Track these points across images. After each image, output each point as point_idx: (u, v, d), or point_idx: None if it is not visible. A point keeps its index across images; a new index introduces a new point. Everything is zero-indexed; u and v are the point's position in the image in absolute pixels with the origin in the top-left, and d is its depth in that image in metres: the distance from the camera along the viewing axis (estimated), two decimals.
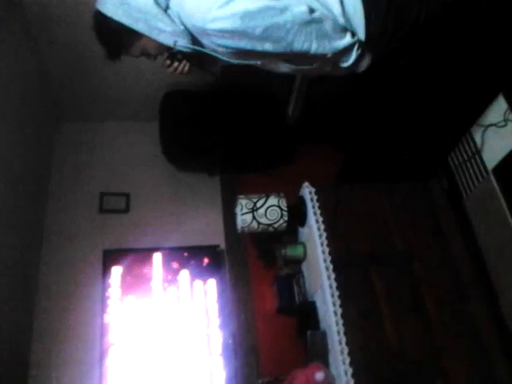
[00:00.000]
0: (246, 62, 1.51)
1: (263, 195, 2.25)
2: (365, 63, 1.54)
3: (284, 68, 1.57)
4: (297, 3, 1.38)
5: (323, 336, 1.99)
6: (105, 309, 2.21)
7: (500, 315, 2.21)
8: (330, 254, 2.00)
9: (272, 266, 2.35)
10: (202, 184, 2.73)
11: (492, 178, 2.21)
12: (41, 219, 2.51)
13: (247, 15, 1.33)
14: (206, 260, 2.38)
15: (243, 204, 2.20)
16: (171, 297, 2.26)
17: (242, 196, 2.25)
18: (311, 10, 1.38)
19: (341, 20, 1.42)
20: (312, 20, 1.38)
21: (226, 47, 1.41)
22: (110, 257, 2.33)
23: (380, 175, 2.51)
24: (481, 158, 2.28)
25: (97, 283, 2.30)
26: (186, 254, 2.38)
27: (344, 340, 1.86)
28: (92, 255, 2.39)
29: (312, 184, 2.21)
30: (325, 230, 2.06)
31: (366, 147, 2.47)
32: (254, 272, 2.45)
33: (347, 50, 1.46)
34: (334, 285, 1.95)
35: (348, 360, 1.83)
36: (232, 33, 1.36)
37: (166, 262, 2.33)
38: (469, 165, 2.36)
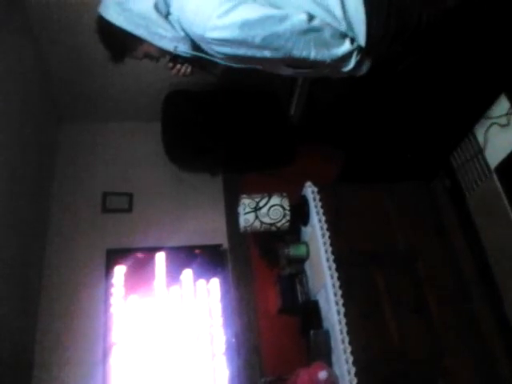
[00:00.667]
0: (246, 67, 1.53)
1: (266, 195, 2.25)
2: (364, 68, 1.54)
3: (284, 71, 1.58)
4: (296, 11, 1.38)
5: (326, 335, 2.00)
6: (108, 308, 2.22)
7: (503, 314, 2.20)
8: (332, 253, 2.01)
9: (275, 265, 2.36)
10: (205, 184, 2.74)
11: (495, 177, 2.20)
12: (44, 219, 2.52)
13: (246, 24, 1.34)
14: (208, 259, 2.38)
15: (246, 203, 2.21)
16: (174, 296, 2.27)
17: (244, 195, 2.25)
18: (310, 18, 1.38)
19: (342, 24, 1.42)
20: (311, 29, 1.38)
21: (226, 54, 1.42)
22: (113, 256, 2.34)
23: (382, 175, 2.51)
24: (483, 157, 2.27)
25: (100, 283, 2.30)
26: (189, 254, 2.39)
27: (347, 339, 1.86)
28: (95, 255, 2.39)
29: (314, 183, 2.21)
30: (327, 229, 2.06)
31: (368, 147, 2.47)
32: (257, 271, 2.46)
33: (346, 56, 1.46)
34: (337, 284, 1.95)
35: (351, 359, 1.83)
36: (231, 42, 1.37)
37: (169, 262, 2.34)
38: (471, 164, 2.36)
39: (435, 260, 2.34)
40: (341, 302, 1.91)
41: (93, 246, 2.45)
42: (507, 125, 2.09)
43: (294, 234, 2.36)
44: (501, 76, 2.01)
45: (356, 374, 1.81)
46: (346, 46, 1.44)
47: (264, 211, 2.20)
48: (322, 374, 1.84)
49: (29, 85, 2.39)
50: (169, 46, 1.47)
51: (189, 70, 1.62)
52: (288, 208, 2.21)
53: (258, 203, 2.22)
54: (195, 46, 1.49)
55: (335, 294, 1.92)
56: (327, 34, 1.41)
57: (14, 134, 2.15)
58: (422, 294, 2.25)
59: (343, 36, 1.44)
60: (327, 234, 2.04)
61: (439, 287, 2.27)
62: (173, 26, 1.45)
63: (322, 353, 1.97)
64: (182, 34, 1.45)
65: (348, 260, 2.14)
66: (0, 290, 1.95)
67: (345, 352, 1.85)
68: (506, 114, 2.08)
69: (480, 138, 2.28)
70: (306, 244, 2.26)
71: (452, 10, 1.44)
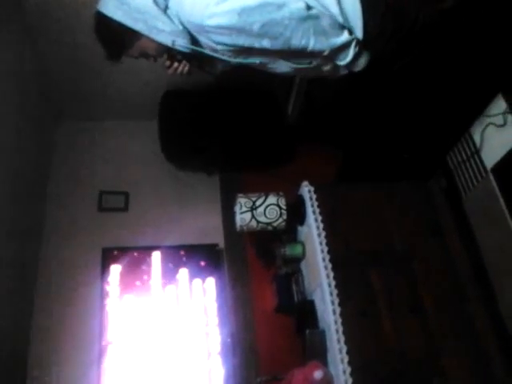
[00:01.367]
0: (245, 61, 1.52)
1: (262, 194, 2.25)
2: (362, 62, 1.54)
3: (283, 68, 1.58)
4: (294, 0, 1.38)
5: (322, 335, 2.00)
6: (104, 307, 2.21)
7: (499, 315, 2.20)
8: (328, 252, 2.01)
9: (271, 264, 2.35)
10: (202, 183, 2.73)
11: (491, 177, 2.21)
12: (40, 218, 2.52)
13: (245, 11, 1.34)
14: (204, 259, 2.38)
15: (242, 203, 2.20)
16: (170, 295, 2.26)
17: (241, 195, 2.25)
18: (308, 7, 1.39)
19: (339, 18, 1.43)
20: (309, 16, 1.39)
21: (224, 44, 1.42)
22: (109, 255, 2.33)
23: (379, 174, 2.51)
24: (480, 158, 2.28)
25: (96, 281, 2.30)
26: (184, 253, 2.38)
27: (342, 339, 1.86)
28: (91, 254, 2.39)
29: (311, 183, 2.21)
30: (324, 228, 2.06)
31: (365, 146, 2.47)
32: (253, 271, 2.46)
33: (344, 47, 1.47)
34: (333, 284, 1.95)
35: (346, 359, 1.83)
36: (230, 29, 1.37)
37: (165, 261, 2.34)
38: (468, 164, 2.36)
39: (431, 260, 2.34)
40: (336, 301, 1.91)
41: (89, 244, 2.44)
42: (503, 125, 2.09)
43: (291, 234, 2.35)
44: (497, 76, 2.01)
45: (351, 374, 1.81)
46: (345, 36, 1.44)
47: (260, 210, 2.20)
48: (318, 374, 1.84)
49: (26, 83, 2.39)
50: (167, 40, 1.46)
51: (186, 68, 1.62)
52: (284, 207, 2.21)
53: (254, 202, 2.21)
54: (194, 40, 1.49)
55: (331, 294, 1.92)
56: (325, 22, 1.42)
57: (11, 133, 2.15)
58: (418, 293, 2.25)
59: (342, 27, 1.45)
60: (323, 233, 2.04)
61: (435, 287, 2.27)
62: (171, 20, 1.45)
63: (318, 352, 1.96)
64: (181, 27, 1.45)
65: (344, 260, 2.14)
66: None
67: (340, 352, 1.84)
68: (503, 114, 2.08)
69: (476, 139, 2.29)
70: (302, 243, 2.26)
71: (449, 10, 1.45)
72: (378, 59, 1.55)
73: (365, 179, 2.50)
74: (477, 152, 2.29)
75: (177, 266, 2.32)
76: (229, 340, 2.22)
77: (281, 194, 2.27)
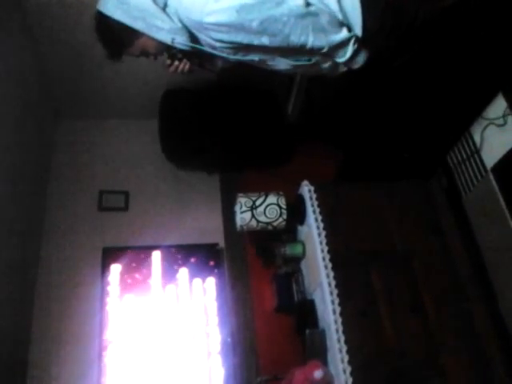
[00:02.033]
0: (244, 59, 1.52)
1: (262, 193, 2.25)
2: (361, 59, 1.54)
3: (282, 65, 1.57)
4: None
5: (322, 334, 2.00)
6: (104, 307, 2.21)
7: (499, 314, 2.20)
8: (328, 252, 2.01)
9: (271, 264, 2.35)
10: (202, 182, 2.73)
11: (491, 177, 2.21)
12: (40, 217, 2.51)
13: (244, 8, 1.35)
14: (205, 258, 2.38)
15: (242, 202, 2.20)
16: (170, 295, 2.26)
17: (241, 194, 2.25)
18: (307, 4, 1.39)
19: (338, 15, 1.43)
20: (308, 13, 1.39)
21: (223, 42, 1.42)
22: (109, 255, 2.33)
23: (379, 174, 2.51)
24: (480, 157, 2.27)
25: (96, 281, 2.30)
26: (185, 252, 2.38)
27: (342, 338, 1.86)
28: (91, 253, 2.39)
29: (311, 182, 2.21)
30: (324, 228, 2.06)
31: (365, 145, 2.47)
32: (253, 270, 2.46)
33: (343, 44, 1.47)
34: (333, 283, 1.95)
35: (346, 358, 1.83)
36: (229, 26, 1.37)
37: (165, 260, 2.34)
38: (468, 164, 2.36)
39: (432, 259, 2.34)
40: (336, 301, 1.91)
41: (89, 244, 2.44)
42: (504, 125, 2.09)
43: (291, 233, 2.36)
44: (498, 75, 2.01)
45: (351, 373, 1.81)
46: (344, 33, 1.44)
47: (260, 210, 2.20)
48: (318, 373, 1.84)
49: (27, 83, 2.38)
50: (166, 38, 1.47)
51: (187, 67, 1.62)
52: (284, 207, 2.21)
53: (254, 202, 2.22)
54: (193, 38, 1.49)
55: (331, 293, 1.92)
56: (324, 19, 1.42)
57: (11, 132, 2.15)
58: (418, 293, 2.25)
59: (340, 24, 1.45)
60: (323, 233, 2.04)
61: (435, 286, 2.27)
62: (170, 18, 1.46)
63: (318, 352, 1.97)
64: (180, 25, 1.46)
65: (344, 259, 2.13)
66: None
67: (340, 351, 1.85)
68: (503, 114, 2.08)
69: (476, 138, 2.28)
70: (302, 243, 2.26)
71: (449, 8, 1.45)
72: (378, 56, 1.55)
73: (365, 179, 2.50)
74: (477, 151, 2.29)
75: (177, 266, 2.32)
76: (229, 340, 2.22)
77: (281, 193, 2.27)
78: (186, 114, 2.59)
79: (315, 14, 1.40)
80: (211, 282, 2.32)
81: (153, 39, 1.48)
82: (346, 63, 1.54)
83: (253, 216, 2.19)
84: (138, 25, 1.45)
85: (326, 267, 1.98)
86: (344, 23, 1.45)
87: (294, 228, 2.35)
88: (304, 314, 2.12)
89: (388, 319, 2.17)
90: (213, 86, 2.64)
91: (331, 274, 1.97)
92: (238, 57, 1.51)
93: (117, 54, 1.54)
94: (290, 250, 2.24)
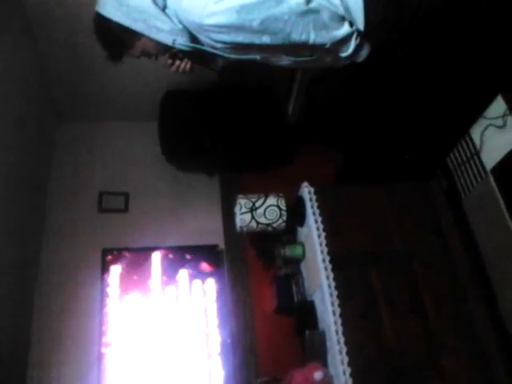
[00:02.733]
0: (245, 57, 1.50)
1: (262, 195, 2.25)
2: (364, 53, 1.52)
3: (285, 61, 1.56)
4: None
5: (322, 336, 2.00)
6: (103, 308, 2.21)
7: (499, 315, 2.21)
8: (328, 253, 2.01)
9: (271, 265, 2.35)
10: (202, 184, 2.73)
11: (491, 178, 2.21)
12: (40, 218, 2.51)
13: (243, 9, 1.33)
14: (204, 259, 2.38)
15: (242, 204, 2.21)
16: (170, 296, 2.26)
17: (241, 196, 2.25)
18: (308, 1, 1.38)
19: (339, 9, 1.42)
20: (309, 10, 1.38)
21: (224, 42, 1.41)
22: (109, 256, 2.33)
23: (379, 175, 2.51)
24: (479, 159, 2.28)
25: (96, 282, 2.30)
26: (184, 254, 2.38)
27: (342, 340, 1.86)
28: (91, 254, 2.38)
29: (311, 184, 2.21)
30: (324, 229, 2.06)
31: (366, 147, 2.47)
32: (253, 272, 2.45)
33: (346, 39, 1.45)
34: (333, 284, 1.95)
35: (346, 360, 1.83)
36: (229, 27, 1.36)
37: (165, 262, 2.34)
38: (468, 165, 2.37)
39: (432, 260, 2.35)
40: (336, 302, 1.91)
41: (88, 245, 2.44)
42: (503, 126, 2.09)
43: (290, 235, 2.36)
44: (497, 77, 2.01)
45: (351, 375, 1.81)
46: (346, 29, 1.43)
47: (260, 211, 2.20)
48: (318, 375, 1.84)
49: (27, 84, 2.38)
50: (167, 39, 1.45)
51: (188, 66, 1.61)
52: (284, 208, 2.21)
53: (254, 203, 2.22)
54: (193, 38, 1.47)
55: (331, 295, 1.92)
56: (325, 16, 1.40)
57: (12, 133, 2.14)
58: (419, 293, 2.25)
59: (342, 19, 1.43)
60: (323, 234, 2.04)
61: (435, 287, 2.27)
62: (170, 19, 1.44)
63: (318, 353, 1.96)
64: (180, 26, 1.44)
65: (344, 260, 2.14)
66: None
67: (340, 353, 1.85)
68: (503, 116, 2.08)
69: (476, 140, 2.29)
70: (302, 244, 2.26)
71: (450, 1, 1.44)
72: (380, 49, 1.53)
73: (365, 180, 2.51)
74: (477, 153, 2.29)
75: (177, 267, 2.32)
76: (229, 341, 2.22)
77: (281, 194, 2.27)
78: (186, 116, 2.59)
79: (316, 11, 1.39)
80: (211, 283, 2.32)
81: (153, 40, 1.47)
82: (348, 57, 1.53)
83: (253, 217, 2.19)
84: (138, 26, 1.43)
85: (325, 268, 1.97)
86: (346, 18, 1.43)
87: (294, 229, 2.35)
88: (304, 315, 2.12)
89: (388, 320, 2.18)
90: (213, 87, 2.64)
91: (331, 276, 1.96)
92: (240, 56, 1.49)
93: (117, 56, 1.52)
94: (289, 251, 2.24)
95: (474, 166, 2.32)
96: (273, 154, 2.72)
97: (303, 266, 2.29)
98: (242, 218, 2.19)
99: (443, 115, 2.23)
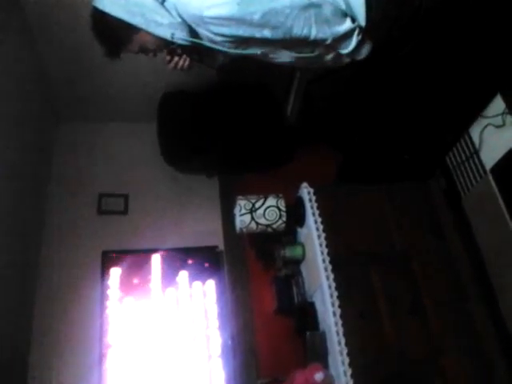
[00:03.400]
0: (245, 52, 1.49)
1: (262, 196, 2.25)
2: (365, 50, 1.51)
3: (285, 58, 1.54)
4: None
5: (322, 337, 2.00)
6: (104, 310, 2.21)
7: (499, 314, 2.21)
8: (328, 254, 2.01)
9: (271, 266, 2.35)
10: (201, 185, 2.73)
11: (490, 177, 2.21)
12: (40, 220, 2.51)
13: (244, 1, 1.32)
14: (204, 261, 2.38)
15: (242, 205, 2.20)
16: (170, 298, 2.26)
17: (240, 197, 2.25)
18: None
19: (341, 5, 1.41)
20: (311, 4, 1.36)
21: (224, 36, 1.39)
22: (109, 258, 2.33)
23: (378, 175, 2.51)
24: (479, 158, 2.28)
25: (96, 285, 2.29)
26: (184, 255, 2.38)
27: (343, 341, 1.86)
28: (91, 257, 2.38)
29: (311, 184, 2.21)
30: (323, 230, 2.06)
31: (365, 147, 2.47)
32: (253, 273, 2.45)
33: (347, 35, 1.44)
34: (333, 285, 1.95)
35: (347, 361, 1.83)
36: (229, 20, 1.34)
37: (165, 264, 2.34)
38: (467, 165, 2.36)
39: (431, 260, 2.35)
40: (337, 303, 1.91)
41: (88, 247, 2.43)
42: (502, 125, 2.09)
43: (290, 235, 2.35)
44: (496, 76, 2.01)
45: (352, 376, 1.81)
46: (348, 24, 1.42)
47: (260, 212, 2.20)
48: (319, 376, 1.84)
49: (27, 85, 2.38)
50: (166, 33, 1.43)
51: (187, 63, 1.59)
52: (284, 209, 2.21)
53: (253, 204, 2.21)
54: (193, 33, 1.46)
55: (331, 296, 1.92)
56: (327, 10, 1.39)
57: (11, 134, 2.14)
58: (419, 293, 2.25)
59: (344, 14, 1.42)
60: (323, 235, 2.04)
61: (435, 287, 2.27)
62: (169, 13, 1.42)
63: (319, 354, 1.96)
64: (179, 19, 1.42)
65: (344, 261, 2.14)
66: None
67: (341, 354, 1.85)
68: (502, 115, 2.08)
69: (475, 139, 2.29)
70: (302, 245, 2.25)
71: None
72: (381, 47, 1.52)
73: (364, 180, 2.50)
74: (476, 152, 2.29)
75: (177, 269, 2.32)
76: (229, 342, 2.22)
77: (280, 195, 2.27)
78: (185, 117, 2.59)
79: (318, 5, 1.37)
80: (211, 284, 2.32)
81: (152, 35, 1.45)
82: (349, 55, 1.52)
83: (252, 218, 2.19)
84: (136, 20, 1.41)
85: (325, 269, 1.97)
86: (347, 14, 1.42)
87: (294, 230, 2.35)
88: (304, 316, 2.12)
89: (388, 320, 2.18)
90: (212, 88, 2.64)
91: (331, 276, 1.96)
92: (239, 50, 1.47)
93: (115, 52, 1.49)
94: (289, 252, 2.24)
95: (473, 166, 2.32)
96: (272, 154, 2.72)
97: (303, 267, 2.29)
98: (242, 219, 2.19)
99: (442, 114, 2.23)
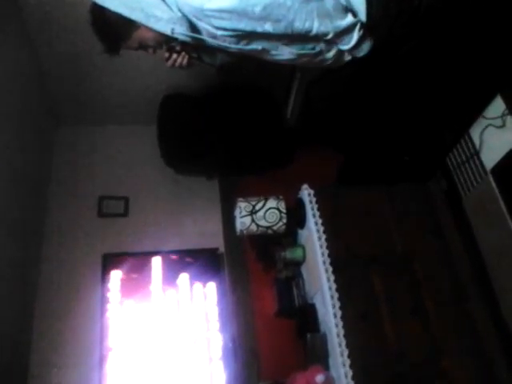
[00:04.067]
0: (247, 48, 1.47)
1: (262, 198, 2.24)
2: (366, 46, 1.50)
3: (286, 54, 1.53)
4: None
5: (323, 338, 1.99)
6: (104, 313, 2.21)
7: (499, 315, 2.20)
8: (329, 255, 2.00)
9: (271, 268, 2.35)
10: (201, 187, 2.73)
11: (490, 178, 2.21)
12: (40, 223, 2.51)
13: None
14: (205, 263, 2.37)
15: (242, 207, 2.20)
16: (171, 300, 2.26)
17: (240, 199, 2.24)
18: None
19: (342, 0, 1.40)
20: None
21: (225, 29, 1.37)
22: (110, 261, 2.33)
23: (379, 177, 2.51)
24: (479, 159, 2.28)
25: (96, 287, 2.30)
26: (185, 258, 2.38)
27: (344, 342, 1.86)
28: (91, 259, 2.38)
29: (311, 186, 2.21)
30: (324, 231, 2.06)
31: (365, 148, 2.47)
32: (254, 275, 2.45)
33: (349, 30, 1.43)
34: (334, 287, 1.94)
35: (348, 362, 1.83)
36: (230, 12, 1.32)
37: (166, 266, 2.33)
38: (467, 165, 2.36)
39: (432, 261, 2.35)
40: (337, 304, 1.90)
41: (89, 250, 2.44)
42: (502, 126, 2.09)
43: (291, 237, 2.35)
44: (496, 77, 2.01)
45: (353, 378, 1.80)
46: (349, 19, 1.41)
47: (260, 214, 2.19)
48: (319, 378, 1.83)
49: (27, 87, 2.38)
50: (165, 28, 1.41)
51: (185, 60, 1.57)
52: (284, 211, 2.21)
53: (254, 206, 2.21)
54: (193, 28, 1.44)
55: (332, 297, 1.92)
56: (329, 5, 1.38)
57: (11, 137, 2.14)
58: (419, 295, 2.25)
59: (345, 9, 1.42)
60: (323, 236, 2.04)
61: (436, 288, 2.27)
62: (169, 7, 1.40)
63: (319, 356, 1.96)
64: (179, 14, 1.41)
65: (345, 262, 2.14)
66: None
67: (342, 355, 1.84)
68: (502, 116, 2.08)
69: (476, 140, 2.29)
70: (303, 247, 2.25)
71: None
72: (382, 44, 1.52)
73: (365, 182, 2.50)
74: (476, 153, 2.29)
75: (177, 271, 2.32)
76: (230, 345, 2.22)
77: (280, 197, 2.26)
78: (186, 119, 2.59)
79: None
80: (212, 286, 2.32)
81: (151, 30, 1.43)
82: (350, 51, 1.51)
83: (253, 220, 2.18)
84: (135, 15, 1.39)
85: (326, 271, 1.97)
86: (348, 8, 1.41)
87: (294, 232, 2.34)
88: (305, 318, 2.11)
89: (389, 322, 2.18)
90: (211, 90, 2.64)
91: (332, 278, 1.96)
92: (240, 46, 1.45)
93: (114, 48, 1.47)
94: (290, 254, 2.24)
95: (473, 166, 2.32)
96: (272, 156, 2.72)
97: (304, 269, 2.29)
98: (242, 221, 2.18)
99: (442, 115, 2.23)
